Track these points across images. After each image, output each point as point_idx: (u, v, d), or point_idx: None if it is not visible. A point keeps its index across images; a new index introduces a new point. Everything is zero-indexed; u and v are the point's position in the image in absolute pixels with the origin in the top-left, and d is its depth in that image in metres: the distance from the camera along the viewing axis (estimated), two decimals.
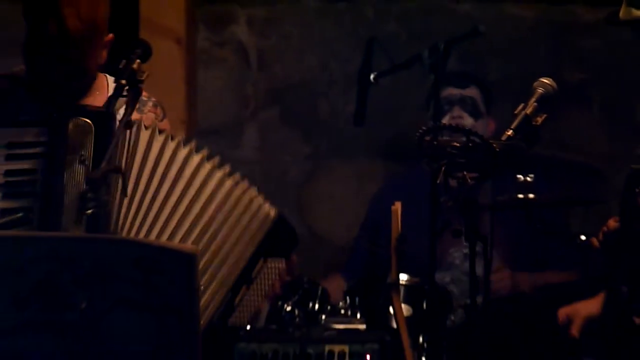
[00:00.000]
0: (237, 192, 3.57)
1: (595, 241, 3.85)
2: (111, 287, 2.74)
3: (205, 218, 3.48)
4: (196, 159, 3.48)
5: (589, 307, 4.15)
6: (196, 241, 3.45)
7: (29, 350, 2.94)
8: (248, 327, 4.09)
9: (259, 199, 3.68)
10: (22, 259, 2.82)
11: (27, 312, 2.90)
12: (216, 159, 3.57)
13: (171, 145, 3.43)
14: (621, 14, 3.89)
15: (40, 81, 3.73)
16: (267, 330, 4.15)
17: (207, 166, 3.53)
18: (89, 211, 3.08)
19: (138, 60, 3.20)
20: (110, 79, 3.66)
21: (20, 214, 3.28)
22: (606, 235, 3.78)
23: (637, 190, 3.51)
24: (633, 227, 3.61)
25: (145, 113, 3.76)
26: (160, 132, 3.46)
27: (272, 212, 3.68)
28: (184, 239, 3.42)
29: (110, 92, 3.43)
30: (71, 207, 3.34)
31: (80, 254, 2.80)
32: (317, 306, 4.31)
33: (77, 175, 3.41)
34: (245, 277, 3.53)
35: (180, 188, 3.46)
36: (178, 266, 2.78)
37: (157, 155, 3.42)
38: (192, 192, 3.48)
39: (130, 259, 2.74)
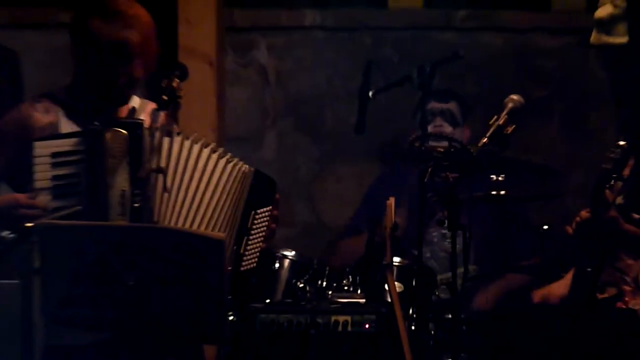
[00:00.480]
0: (229, 168, 3.84)
1: (569, 229, 4.08)
2: (154, 267, 3.12)
3: (216, 200, 3.75)
4: (214, 156, 3.73)
5: (561, 287, 4.36)
6: (212, 217, 3.78)
7: (84, 318, 3.29)
8: (267, 301, 4.67)
9: (238, 166, 3.93)
10: (81, 243, 3.22)
11: (83, 286, 3.26)
12: (222, 151, 3.83)
13: (195, 148, 3.66)
14: (592, 39, 4.14)
15: (86, 106, 3.92)
16: (283, 303, 4.53)
17: (214, 157, 3.75)
18: (136, 205, 3.46)
19: (177, 80, 3.45)
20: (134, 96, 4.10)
21: (78, 207, 3.51)
22: (579, 225, 4.03)
23: (606, 186, 3.88)
24: (601, 217, 3.98)
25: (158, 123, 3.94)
26: (187, 137, 3.65)
27: (249, 171, 3.93)
28: (205, 220, 3.76)
29: (134, 104, 3.96)
30: (115, 202, 3.58)
31: (129, 240, 3.23)
32: (324, 283, 4.69)
33: (119, 175, 3.64)
34: (243, 230, 3.82)
35: (203, 181, 3.75)
36: (209, 250, 3.17)
37: (186, 157, 3.64)
38: (210, 185, 3.78)
39: (170, 245, 3.14)
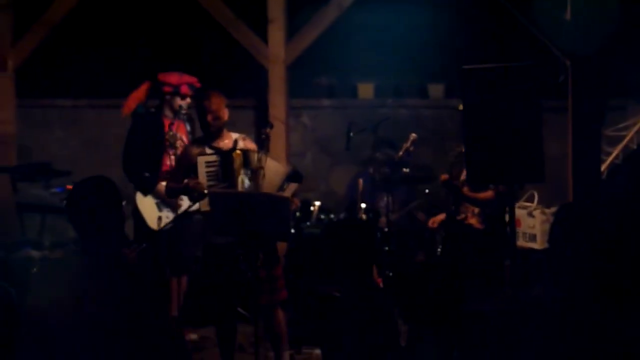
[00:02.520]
0: (282, 167, 4.75)
1: (441, 180, 4.93)
2: (260, 208, 4.09)
3: (278, 180, 4.59)
4: (275, 163, 4.69)
5: (441, 216, 5.22)
6: (276, 187, 4.57)
7: (228, 231, 4.29)
8: (307, 223, 5.85)
9: (285, 167, 4.81)
10: (225, 200, 4.20)
11: (227, 219, 4.17)
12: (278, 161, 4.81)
13: (270, 160, 4.57)
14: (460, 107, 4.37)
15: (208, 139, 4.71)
16: (315, 224, 5.80)
17: (275, 163, 4.70)
18: (249, 183, 4.49)
19: (269, 129, 4.69)
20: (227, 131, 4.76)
21: (226, 184, 4.50)
22: (442, 181, 4.79)
23: (453, 170, 4.66)
24: (452, 183, 4.66)
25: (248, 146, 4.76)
26: (267, 154, 4.53)
27: (290, 169, 4.75)
28: (274, 189, 4.56)
29: (235, 137, 4.72)
30: (238, 183, 4.54)
31: (247, 199, 4.22)
32: (332, 216, 5.95)
33: (239, 171, 4.57)
34: (281, 189, 4.51)
35: (273, 172, 4.60)
36: (282, 201, 4.28)
37: (268, 163, 4.49)
38: (276, 174, 4.64)
39: (265, 200, 4.18)
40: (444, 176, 4.83)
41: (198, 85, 5.36)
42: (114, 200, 2.84)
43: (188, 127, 5.47)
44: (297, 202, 5.09)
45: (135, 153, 5.19)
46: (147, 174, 5.13)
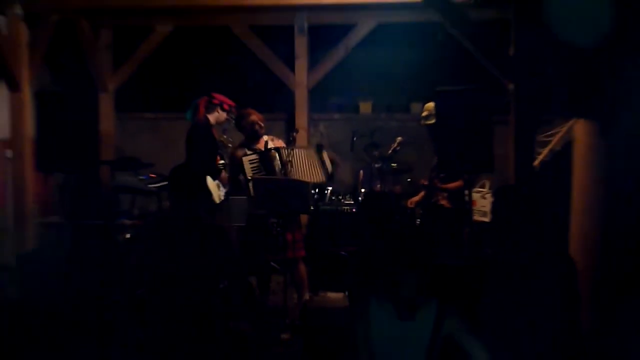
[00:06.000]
0: (309, 150, 4.63)
1: (423, 182, 4.88)
2: (290, 189, 4.13)
3: (304, 168, 4.49)
4: (304, 151, 4.59)
5: (417, 197, 5.22)
6: (304, 173, 4.50)
7: (266, 206, 4.15)
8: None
9: (309, 147, 4.65)
10: (265, 185, 4.12)
11: (267, 198, 4.08)
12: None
13: (297, 151, 4.49)
14: (421, 122, 4.59)
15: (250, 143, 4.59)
16: (330, 202, 5.48)
17: (304, 151, 4.58)
18: (283, 172, 4.49)
19: (295, 134, 4.68)
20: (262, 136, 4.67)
21: (263, 173, 4.47)
22: (424, 185, 4.81)
23: (433, 174, 4.63)
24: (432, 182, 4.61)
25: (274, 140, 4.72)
26: (294, 148, 4.46)
27: (312, 146, 4.59)
28: (302, 175, 4.50)
29: (267, 139, 4.69)
30: (277, 172, 4.54)
31: (281, 184, 4.18)
32: (347, 196, 5.58)
33: (275, 164, 4.56)
34: (321, 159, 4.45)
35: (300, 161, 4.52)
36: (303, 185, 4.26)
37: (295, 154, 4.47)
38: (302, 163, 4.51)
39: (294, 183, 4.18)
40: (423, 181, 4.98)
41: (234, 106, 5.31)
42: (193, 180, 3.12)
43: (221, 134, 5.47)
44: (337, 160, 5.01)
45: (202, 153, 5.18)
46: (220, 165, 5.20)
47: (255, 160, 4.54)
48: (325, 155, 4.61)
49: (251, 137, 4.70)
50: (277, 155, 4.51)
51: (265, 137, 4.68)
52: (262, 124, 4.68)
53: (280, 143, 4.72)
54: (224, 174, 5.11)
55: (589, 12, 2.92)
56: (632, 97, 2.63)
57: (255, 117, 4.65)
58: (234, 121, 4.96)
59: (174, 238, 2.95)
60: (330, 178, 4.64)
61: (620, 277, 2.95)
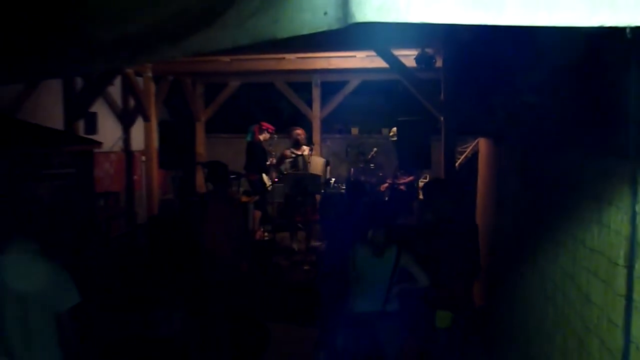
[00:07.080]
0: (320, 160, 4.72)
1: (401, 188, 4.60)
2: (307, 180, 4.12)
3: (318, 168, 4.62)
4: (319, 157, 4.85)
5: (386, 184, 5.00)
6: (316, 170, 4.65)
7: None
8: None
9: (323, 159, 4.60)
10: (294, 179, 4.08)
11: (294, 188, 4.10)
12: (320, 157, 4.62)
13: (314, 156, 4.71)
14: (391, 136, 4.20)
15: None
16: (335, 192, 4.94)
17: (319, 157, 4.86)
18: (298, 171, 4.54)
19: (312, 146, 4.88)
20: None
21: (294, 169, 4.54)
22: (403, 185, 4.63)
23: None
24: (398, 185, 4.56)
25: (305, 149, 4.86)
26: (312, 154, 4.67)
27: (325, 160, 4.54)
28: (315, 171, 4.67)
29: (303, 147, 4.72)
30: (300, 168, 4.75)
31: (301, 176, 4.02)
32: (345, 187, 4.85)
33: (299, 164, 4.77)
34: (325, 168, 4.43)
35: (316, 163, 4.69)
36: (316, 177, 4.24)
37: (312, 159, 4.65)
38: (317, 165, 4.65)
39: (309, 177, 4.05)
40: (389, 180, 4.94)
41: (274, 130, 5.24)
42: (226, 171, 3.08)
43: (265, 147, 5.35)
44: (329, 169, 4.94)
45: (260, 160, 5.15)
46: (268, 163, 5.11)
47: (292, 161, 4.73)
48: (328, 167, 4.83)
49: (295, 145, 4.81)
50: (302, 159, 4.79)
51: (305, 148, 4.79)
52: (303, 137, 4.80)
53: (307, 151, 4.83)
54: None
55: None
56: (512, 124, 2.63)
57: (301, 130, 4.81)
58: (275, 137, 5.06)
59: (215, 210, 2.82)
60: (326, 180, 4.70)
61: (502, 229, 2.94)
